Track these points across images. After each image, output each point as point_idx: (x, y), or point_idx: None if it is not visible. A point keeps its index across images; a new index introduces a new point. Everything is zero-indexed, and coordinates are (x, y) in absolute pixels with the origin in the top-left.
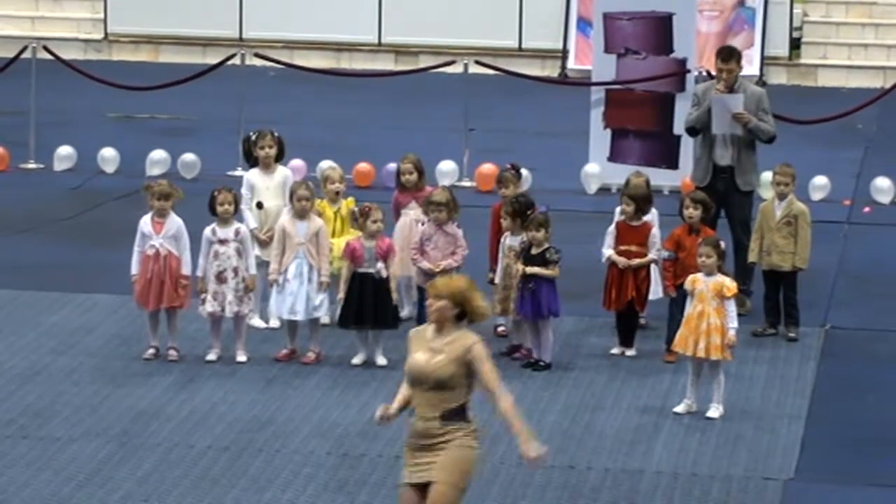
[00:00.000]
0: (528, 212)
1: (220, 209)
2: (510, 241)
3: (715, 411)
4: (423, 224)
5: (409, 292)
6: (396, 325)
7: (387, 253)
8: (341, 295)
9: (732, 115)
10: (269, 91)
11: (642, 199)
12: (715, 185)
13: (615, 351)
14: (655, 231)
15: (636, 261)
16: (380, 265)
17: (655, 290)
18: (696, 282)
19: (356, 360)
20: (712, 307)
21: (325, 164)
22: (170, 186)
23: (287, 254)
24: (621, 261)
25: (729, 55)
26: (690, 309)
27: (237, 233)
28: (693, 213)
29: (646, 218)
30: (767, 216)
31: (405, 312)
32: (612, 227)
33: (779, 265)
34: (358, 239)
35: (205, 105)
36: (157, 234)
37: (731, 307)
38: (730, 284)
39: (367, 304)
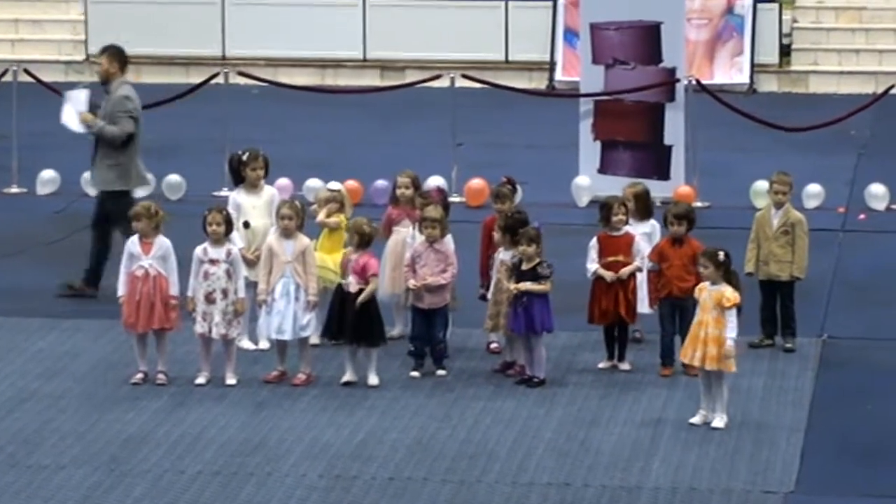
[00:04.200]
0: (523, 229)
1: (209, 229)
2: (502, 255)
3: (720, 421)
4: (411, 238)
5: (400, 311)
6: (378, 344)
7: (363, 270)
8: None
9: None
10: (254, 109)
11: (686, 216)
12: None
13: (602, 365)
14: (639, 239)
15: (623, 270)
16: (350, 279)
17: (644, 305)
18: (702, 290)
19: (345, 378)
20: (711, 317)
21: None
22: (143, 207)
23: (274, 273)
24: (608, 274)
25: (104, 50)
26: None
27: (228, 254)
28: (676, 228)
29: (643, 229)
30: (764, 225)
31: (396, 331)
32: (594, 241)
33: (776, 275)
34: (350, 251)
35: (188, 125)
36: (146, 254)
37: (731, 318)
38: (730, 295)
39: (340, 316)
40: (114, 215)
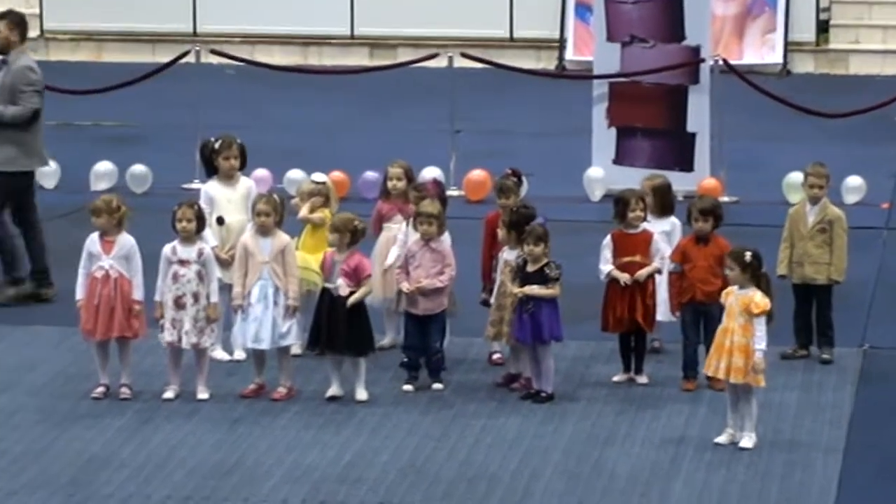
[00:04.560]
0: (529, 226)
1: (178, 226)
2: (507, 255)
3: (748, 441)
4: (403, 236)
5: (392, 318)
6: (366, 353)
7: (355, 270)
8: None
9: None
10: (228, 92)
11: (713, 212)
12: None
13: (617, 378)
14: (658, 237)
15: (640, 272)
16: (340, 281)
17: (665, 311)
18: (729, 294)
19: (330, 392)
20: (738, 324)
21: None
22: (103, 201)
23: (250, 275)
24: (623, 277)
25: (2, 16)
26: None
27: (200, 253)
28: (702, 225)
29: (663, 227)
30: (798, 222)
31: (387, 341)
32: (607, 240)
33: (813, 278)
34: (332, 251)
35: (156, 109)
36: (107, 254)
37: (761, 326)
38: (759, 300)
39: (322, 324)
40: (11, 197)
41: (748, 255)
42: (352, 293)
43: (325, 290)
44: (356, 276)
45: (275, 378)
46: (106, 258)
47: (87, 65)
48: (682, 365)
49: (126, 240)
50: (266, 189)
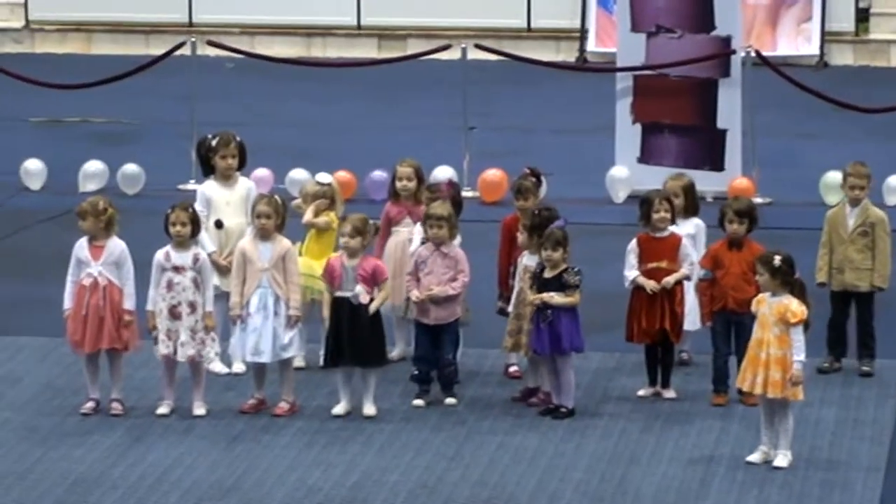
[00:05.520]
0: (547, 230)
1: (172, 230)
2: (527, 260)
3: (783, 459)
4: (415, 238)
5: (401, 328)
6: (380, 364)
7: (373, 276)
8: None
9: None
10: (227, 86)
11: (748, 214)
12: None
13: (643, 392)
14: (686, 241)
15: (668, 278)
16: (358, 288)
17: (693, 321)
18: (761, 303)
19: (337, 409)
20: (773, 335)
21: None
22: (90, 204)
23: (249, 283)
24: (649, 284)
25: None
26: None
27: (196, 259)
28: (737, 227)
29: (687, 229)
30: (837, 226)
31: (396, 352)
32: (633, 244)
33: (854, 285)
34: (339, 257)
35: (149, 105)
36: (96, 260)
37: (798, 336)
38: (795, 308)
39: (343, 335)
40: None
41: (777, 258)
42: (371, 300)
43: (339, 301)
44: (374, 281)
45: (276, 392)
46: (94, 265)
47: (76, 57)
48: (712, 378)
49: (116, 245)
50: (267, 190)
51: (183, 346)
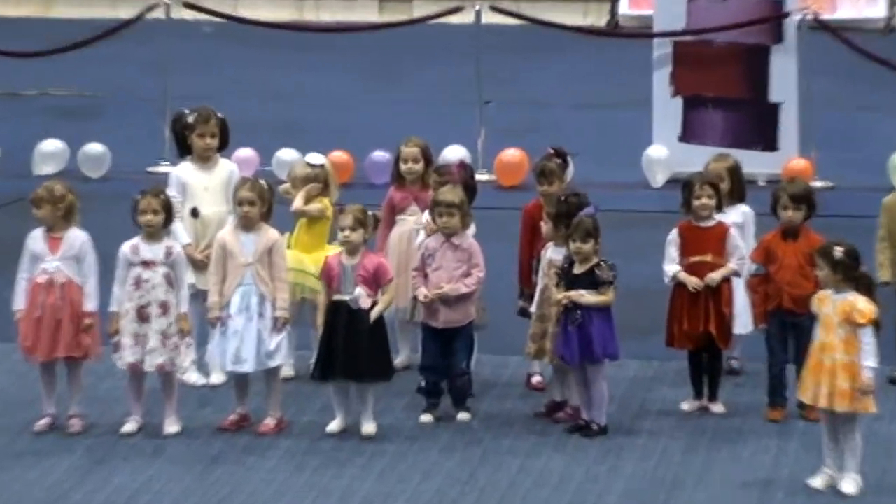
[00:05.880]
0: (576, 219)
1: (142, 219)
2: (552, 253)
3: (851, 484)
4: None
5: (406, 332)
6: (381, 378)
7: (376, 275)
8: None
9: None
10: (205, 54)
11: (806, 199)
12: None
13: (686, 406)
14: (734, 232)
15: (713, 274)
16: (358, 290)
17: (744, 323)
18: (823, 302)
19: (332, 426)
20: (839, 338)
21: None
22: (45, 189)
23: (229, 280)
24: (692, 281)
25: None
26: (815, 340)
27: (168, 253)
28: (793, 214)
29: (733, 217)
30: None
31: (400, 360)
32: (673, 234)
33: None
34: (337, 255)
35: (116, 76)
36: (53, 253)
37: (867, 338)
38: (862, 307)
39: (338, 344)
40: None
41: (839, 250)
42: (374, 304)
43: (336, 304)
44: (377, 282)
45: (260, 407)
46: (51, 259)
47: (33, 21)
48: (768, 389)
49: (76, 236)
50: (251, 173)
51: (152, 353)
